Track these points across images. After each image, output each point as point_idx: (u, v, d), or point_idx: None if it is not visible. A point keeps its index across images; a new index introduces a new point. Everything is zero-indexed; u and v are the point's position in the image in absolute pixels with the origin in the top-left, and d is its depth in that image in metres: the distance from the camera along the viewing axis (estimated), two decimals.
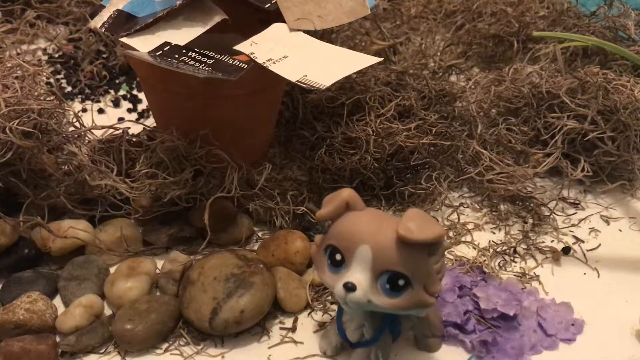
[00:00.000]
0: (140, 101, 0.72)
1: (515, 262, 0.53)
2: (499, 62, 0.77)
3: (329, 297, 0.48)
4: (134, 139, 0.54)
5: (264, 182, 0.52)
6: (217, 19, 0.51)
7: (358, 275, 0.37)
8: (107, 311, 0.47)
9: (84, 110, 0.70)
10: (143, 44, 0.48)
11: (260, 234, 0.55)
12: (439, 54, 0.77)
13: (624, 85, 0.58)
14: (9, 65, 0.51)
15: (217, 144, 0.51)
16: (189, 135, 0.51)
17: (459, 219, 0.57)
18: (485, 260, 0.52)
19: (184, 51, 0.48)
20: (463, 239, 0.55)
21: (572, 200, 0.60)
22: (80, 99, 0.72)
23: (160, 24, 0.50)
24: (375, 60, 0.51)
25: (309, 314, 0.48)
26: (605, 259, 0.54)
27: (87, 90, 0.73)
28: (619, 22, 0.72)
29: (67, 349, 0.43)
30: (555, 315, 0.47)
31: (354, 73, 0.51)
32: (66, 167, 0.51)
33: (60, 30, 0.79)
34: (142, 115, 0.70)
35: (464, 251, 0.54)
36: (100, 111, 0.70)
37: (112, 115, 0.69)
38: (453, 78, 0.75)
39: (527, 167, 0.57)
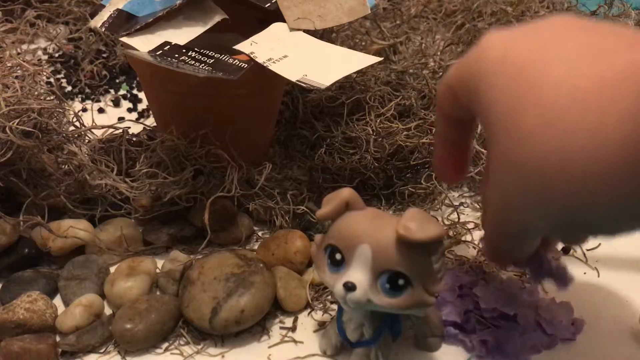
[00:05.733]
0: (140, 101, 0.72)
1: None
2: None
3: (329, 297, 0.48)
4: (134, 139, 0.54)
5: (264, 182, 0.52)
6: (217, 18, 0.51)
7: (358, 274, 0.37)
8: (107, 311, 0.47)
9: (84, 109, 0.70)
10: (143, 44, 0.48)
11: (260, 233, 0.55)
12: (439, 53, 0.77)
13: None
14: (9, 64, 0.51)
15: (217, 143, 0.51)
16: (189, 135, 0.51)
17: (459, 218, 0.57)
18: (485, 260, 0.52)
19: (184, 51, 0.48)
20: (463, 238, 0.55)
21: None
22: (80, 99, 0.72)
23: (160, 23, 0.50)
24: (375, 59, 0.51)
25: (309, 314, 0.48)
26: (605, 258, 0.54)
27: (87, 90, 0.73)
28: (619, 21, 0.72)
29: (67, 349, 0.43)
30: (555, 315, 0.47)
31: (354, 73, 0.51)
32: (66, 166, 0.51)
33: (60, 30, 0.79)
34: (142, 114, 0.70)
35: (464, 251, 0.54)
36: (101, 111, 0.70)
37: (112, 115, 0.69)
38: None
39: None
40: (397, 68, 0.65)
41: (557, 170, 0.28)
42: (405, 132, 0.55)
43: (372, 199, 0.57)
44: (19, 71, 0.51)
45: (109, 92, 0.73)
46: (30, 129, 0.46)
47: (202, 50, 0.48)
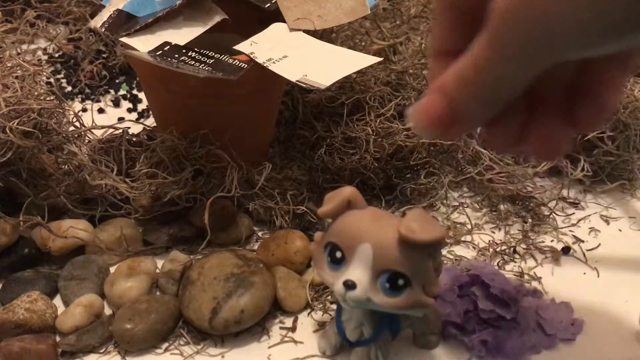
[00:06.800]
0: (140, 101, 0.72)
1: (515, 262, 0.53)
2: None
3: (329, 297, 0.48)
4: (134, 139, 0.54)
5: (264, 182, 0.52)
6: (217, 19, 0.51)
7: (358, 273, 0.37)
8: (107, 311, 0.47)
9: (84, 110, 0.70)
10: (143, 44, 0.48)
11: (260, 233, 0.55)
12: None
13: (624, 85, 0.58)
14: (9, 65, 0.51)
15: (217, 143, 0.51)
16: (189, 135, 0.51)
17: (459, 218, 0.57)
18: (485, 260, 0.52)
19: (184, 51, 0.48)
20: (463, 238, 0.55)
21: (571, 200, 0.60)
22: (80, 99, 0.72)
23: (160, 23, 0.50)
24: (375, 60, 0.51)
25: (308, 314, 0.48)
26: (605, 258, 0.54)
27: (87, 90, 0.73)
28: None
29: (67, 349, 0.43)
30: (555, 315, 0.47)
31: (354, 73, 0.51)
32: (66, 166, 0.51)
33: (60, 30, 0.79)
34: (142, 115, 0.70)
35: (464, 251, 0.54)
36: (101, 111, 0.70)
37: (112, 115, 0.69)
38: None
39: (527, 167, 0.57)
40: (397, 68, 0.65)
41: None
42: (405, 132, 0.55)
43: (372, 199, 0.57)
44: (19, 71, 0.50)
45: (108, 92, 0.73)
46: (30, 129, 0.46)
47: (202, 51, 0.48)
